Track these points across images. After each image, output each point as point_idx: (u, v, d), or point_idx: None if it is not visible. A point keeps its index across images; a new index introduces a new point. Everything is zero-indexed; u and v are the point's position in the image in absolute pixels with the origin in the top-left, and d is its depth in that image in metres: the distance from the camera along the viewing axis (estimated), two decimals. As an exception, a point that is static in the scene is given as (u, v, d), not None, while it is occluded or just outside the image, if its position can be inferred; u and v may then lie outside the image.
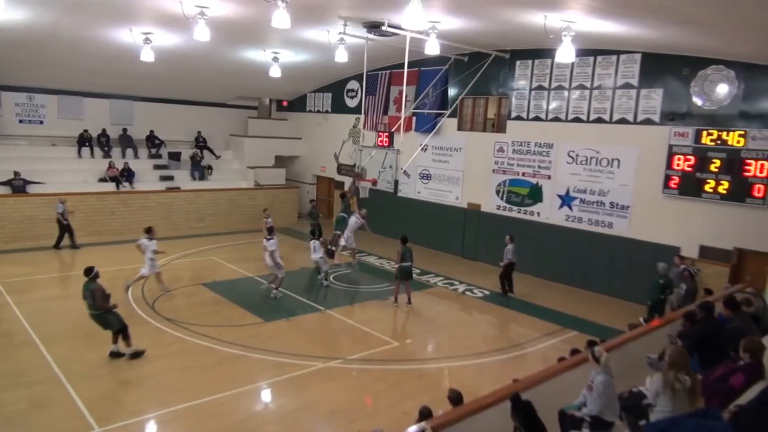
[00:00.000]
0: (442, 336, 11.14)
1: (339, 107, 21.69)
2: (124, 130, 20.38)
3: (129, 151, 20.23)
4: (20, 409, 7.40)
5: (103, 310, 8.87)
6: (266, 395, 8.39)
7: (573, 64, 13.79)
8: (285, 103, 24.54)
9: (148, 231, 12.63)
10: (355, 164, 15.20)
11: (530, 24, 11.28)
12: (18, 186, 16.76)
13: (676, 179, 12.51)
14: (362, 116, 17.85)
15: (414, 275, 14.89)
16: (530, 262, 14.84)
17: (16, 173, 16.80)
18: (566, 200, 14.72)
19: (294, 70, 18.08)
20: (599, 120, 13.91)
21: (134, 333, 10.02)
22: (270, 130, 23.40)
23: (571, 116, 14.47)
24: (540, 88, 15.06)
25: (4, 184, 16.66)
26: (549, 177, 15.04)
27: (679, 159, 12.46)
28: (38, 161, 17.93)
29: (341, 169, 20.67)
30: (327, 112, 22.31)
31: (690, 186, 12.28)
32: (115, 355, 8.99)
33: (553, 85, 14.76)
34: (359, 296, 13.31)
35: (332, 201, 22.60)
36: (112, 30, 13.28)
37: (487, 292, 13.64)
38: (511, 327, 11.97)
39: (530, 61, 15.18)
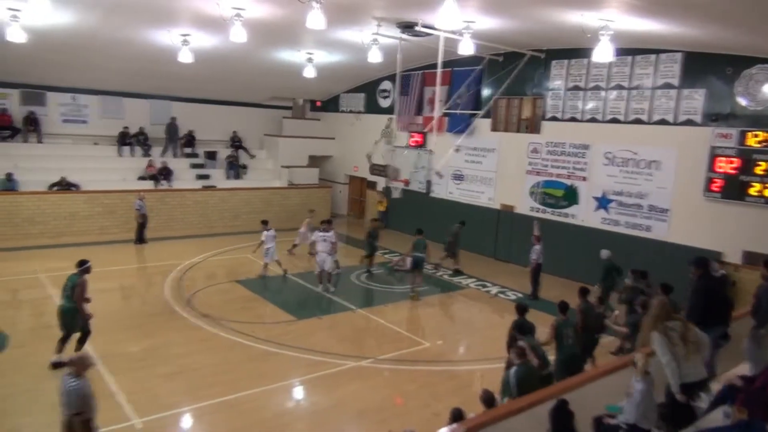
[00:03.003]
0: (474, 338, 11.06)
1: (372, 107, 21.76)
2: (173, 118, 20.80)
3: (163, 150, 20.67)
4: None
5: (75, 306, 8.41)
6: (298, 393, 8.47)
7: (610, 63, 13.50)
8: (319, 104, 24.74)
9: (265, 223, 13.87)
10: (387, 165, 15.21)
11: (566, 23, 11.11)
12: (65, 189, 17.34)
13: (719, 182, 12.13)
14: (395, 116, 17.84)
15: (446, 276, 14.96)
16: (564, 264, 14.59)
17: (62, 178, 17.37)
18: (602, 202, 14.44)
19: (328, 70, 18.20)
20: (637, 121, 13.59)
21: (170, 327, 10.32)
22: (304, 130, 23.62)
23: (608, 117, 14.18)
24: (576, 88, 14.80)
25: (53, 185, 17.23)
26: (584, 179, 14.77)
27: (721, 161, 12.07)
28: (81, 159, 18.51)
29: (374, 169, 20.73)
30: (360, 112, 22.40)
31: (734, 189, 11.89)
32: (57, 365, 8.22)
33: (590, 85, 14.49)
34: (391, 296, 13.31)
35: (364, 201, 22.68)
36: (152, 32, 13.61)
37: (520, 295, 13.47)
38: (544, 330, 11.77)
39: (566, 61, 14.94)
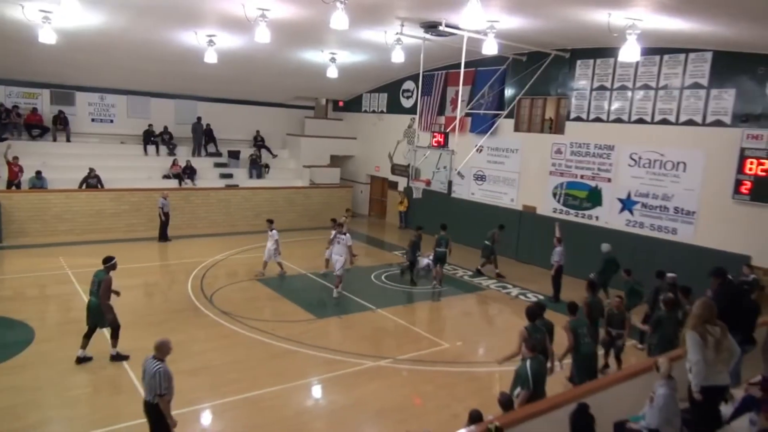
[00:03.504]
0: (494, 339, 10.98)
1: (394, 107, 21.76)
2: (198, 118, 21.09)
3: (193, 150, 20.94)
4: (86, 393, 7.82)
5: (100, 303, 8.53)
6: (316, 391, 8.50)
7: (637, 63, 13.30)
8: (341, 103, 24.84)
9: (271, 222, 14.01)
10: (408, 165, 15.19)
11: (593, 22, 10.97)
12: (92, 184, 17.65)
13: (749, 184, 11.84)
14: (417, 116, 17.82)
15: (467, 277, 14.90)
16: (587, 267, 14.38)
17: (91, 170, 17.69)
18: (627, 204, 14.22)
19: (351, 70, 18.26)
20: (664, 121, 13.35)
21: (193, 324, 10.45)
22: (326, 130, 23.74)
23: (634, 117, 13.96)
24: (602, 88, 14.60)
25: (83, 181, 17.55)
26: (609, 180, 14.56)
27: (752, 163, 11.78)
28: (108, 158, 18.86)
29: (395, 169, 20.71)
30: (382, 112, 22.42)
31: (764, 191, 11.59)
32: (82, 360, 8.58)
33: (616, 85, 14.28)
34: (411, 297, 13.29)
35: (385, 201, 22.70)
36: (179, 33, 13.82)
37: (541, 297, 13.32)
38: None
39: (591, 61, 14.75)
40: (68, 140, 19.03)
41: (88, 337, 8.69)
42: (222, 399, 7.79)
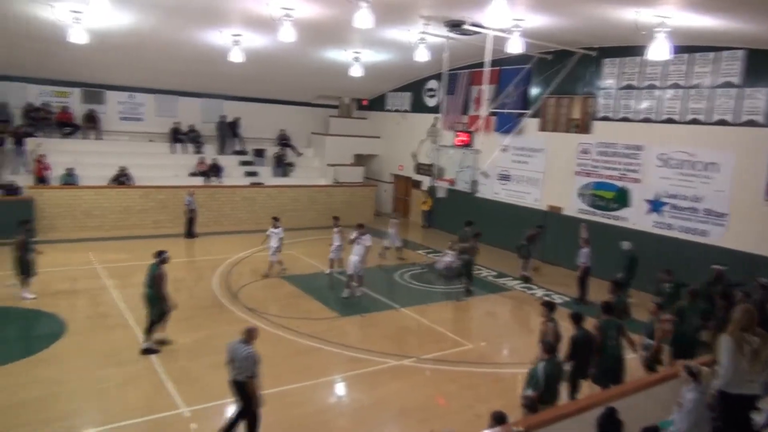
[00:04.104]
0: (518, 341, 10.89)
1: (418, 106, 21.72)
2: (223, 117, 21.33)
3: (219, 149, 21.19)
4: (114, 386, 7.96)
5: (153, 293, 8.94)
6: (340, 389, 8.55)
7: (667, 61, 13.01)
8: (365, 102, 24.88)
9: (276, 219, 14.04)
10: (432, 164, 15.15)
11: (620, 20, 10.81)
12: (122, 182, 18.00)
13: (782, 186, 11.54)
14: (441, 116, 17.73)
15: (491, 277, 14.80)
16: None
17: (122, 168, 18.03)
18: (655, 205, 13.96)
19: (374, 69, 18.27)
20: (695, 121, 13.07)
21: (218, 320, 10.59)
22: (350, 129, 23.80)
23: (663, 117, 13.69)
24: (629, 87, 14.36)
25: (114, 179, 17.94)
26: (637, 180, 14.32)
27: (785, 164, 11.48)
28: (136, 156, 19.20)
29: (419, 168, 20.67)
30: (406, 111, 22.40)
31: (798, 193, 11.30)
32: (160, 343, 9.14)
33: (644, 84, 14.03)
34: (434, 296, 13.25)
35: (409, 200, 22.67)
36: (205, 32, 13.99)
37: (567, 298, 13.18)
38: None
39: (619, 59, 14.52)
40: (98, 138, 19.42)
41: (154, 324, 9.10)
42: (246, 395, 7.86)
